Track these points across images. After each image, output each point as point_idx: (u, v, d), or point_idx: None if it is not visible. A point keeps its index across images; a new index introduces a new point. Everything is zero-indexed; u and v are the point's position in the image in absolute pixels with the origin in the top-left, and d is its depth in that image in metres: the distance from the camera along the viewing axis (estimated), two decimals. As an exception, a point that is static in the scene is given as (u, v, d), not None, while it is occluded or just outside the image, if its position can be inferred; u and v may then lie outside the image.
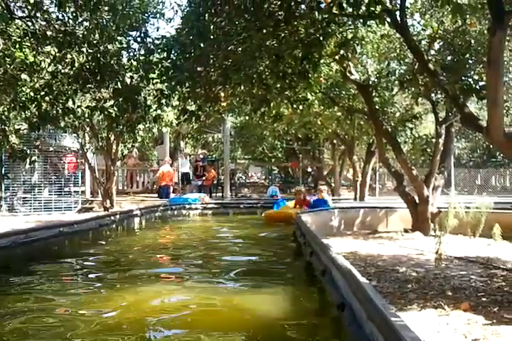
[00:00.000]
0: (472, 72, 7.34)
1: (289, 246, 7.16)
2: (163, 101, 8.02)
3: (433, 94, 8.17)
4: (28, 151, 11.08)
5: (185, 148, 21.71)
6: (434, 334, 2.80)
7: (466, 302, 3.44)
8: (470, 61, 7.36)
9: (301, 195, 11.59)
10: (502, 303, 3.46)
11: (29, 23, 7.28)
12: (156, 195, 16.06)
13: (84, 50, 7.34)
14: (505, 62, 7.27)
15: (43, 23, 7.22)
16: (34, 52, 7.48)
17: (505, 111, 7.44)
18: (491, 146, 16.75)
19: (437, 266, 4.81)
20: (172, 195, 15.79)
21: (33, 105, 7.82)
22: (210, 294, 4.30)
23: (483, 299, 3.59)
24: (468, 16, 6.48)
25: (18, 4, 7.43)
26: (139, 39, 7.82)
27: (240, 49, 6.11)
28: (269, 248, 7.40)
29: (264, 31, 5.94)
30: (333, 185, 19.57)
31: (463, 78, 7.00)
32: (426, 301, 3.51)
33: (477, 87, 6.62)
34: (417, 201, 7.73)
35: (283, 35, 6.11)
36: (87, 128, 11.11)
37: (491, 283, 4.13)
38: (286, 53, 6.22)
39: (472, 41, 7.15)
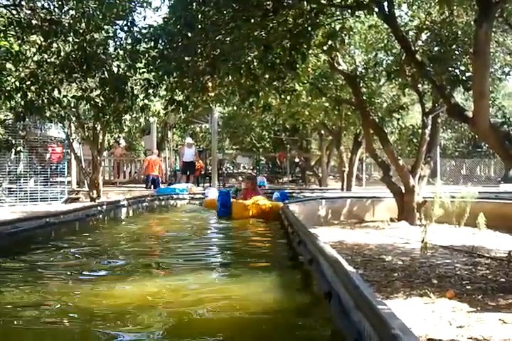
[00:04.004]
0: (459, 63, 7.40)
1: (276, 236, 7.19)
2: (151, 91, 7.96)
3: (420, 85, 8.23)
4: (14, 141, 10.96)
5: (172, 138, 21.60)
6: (420, 321, 2.85)
7: (451, 290, 3.51)
8: (457, 52, 7.41)
9: (248, 183, 10.72)
10: (486, 291, 3.54)
11: (14, 12, 7.17)
12: (144, 186, 16.16)
13: (70, 39, 7.25)
14: (491, 54, 7.34)
15: (28, 11, 7.11)
16: (19, 41, 7.37)
17: (490, 102, 7.50)
18: (477, 137, 16.90)
19: (423, 255, 4.89)
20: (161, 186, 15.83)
21: (19, 95, 7.71)
22: (196, 283, 4.30)
23: (468, 287, 3.67)
24: (455, 7, 6.52)
25: (2, -8, 7.33)
26: (125, 28, 7.70)
27: (228, 39, 6.09)
28: (256, 237, 7.43)
29: (253, 21, 5.93)
30: (320, 175, 19.66)
31: (450, 69, 7.05)
32: (412, 289, 3.58)
33: (463, 77, 6.70)
34: (403, 191, 7.81)
35: (271, 25, 6.10)
36: (73, 118, 10.99)
37: (475, 271, 4.22)
38: (274, 43, 6.21)
39: (459, 32, 7.20)
